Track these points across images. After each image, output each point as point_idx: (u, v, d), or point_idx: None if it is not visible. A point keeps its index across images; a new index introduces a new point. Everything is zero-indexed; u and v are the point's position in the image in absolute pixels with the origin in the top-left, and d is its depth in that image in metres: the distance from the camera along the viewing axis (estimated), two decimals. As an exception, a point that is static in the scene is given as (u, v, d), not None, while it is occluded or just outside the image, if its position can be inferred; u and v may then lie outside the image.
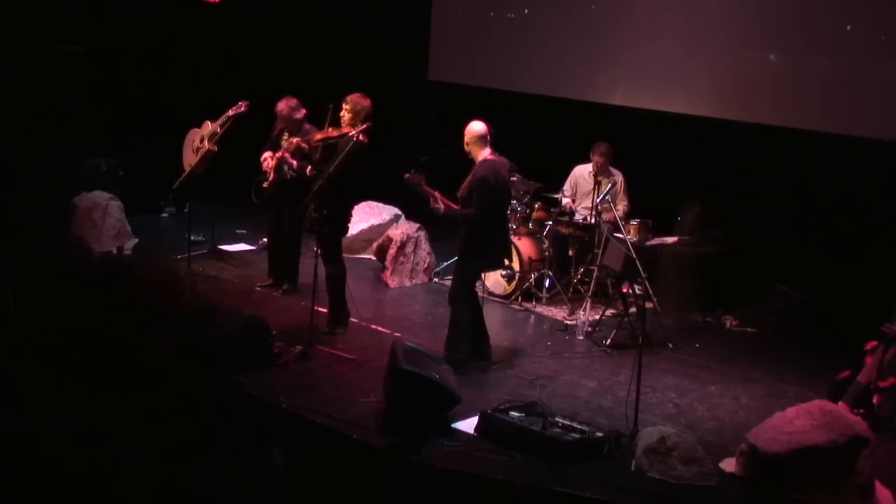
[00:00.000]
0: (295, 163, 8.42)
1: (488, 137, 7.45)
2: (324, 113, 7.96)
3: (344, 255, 8.25)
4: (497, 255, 7.79)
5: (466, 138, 7.47)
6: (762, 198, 9.72)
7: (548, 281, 9.24)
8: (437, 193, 7.40)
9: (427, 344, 7.52)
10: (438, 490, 5.95)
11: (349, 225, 8.17)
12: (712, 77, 9.94)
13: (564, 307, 9.01)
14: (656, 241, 9.40)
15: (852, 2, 9.09)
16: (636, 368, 6.42)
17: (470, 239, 7.41)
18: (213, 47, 11.86)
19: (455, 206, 7.42)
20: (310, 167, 8.10)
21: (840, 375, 6.79)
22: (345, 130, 7.77)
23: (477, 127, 7.46)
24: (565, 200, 9.49)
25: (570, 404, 6.93)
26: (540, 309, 9.08)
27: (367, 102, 7.86)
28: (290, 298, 8.77)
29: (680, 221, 9.59)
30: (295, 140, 8.38)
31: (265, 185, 8.67)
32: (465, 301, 7.55)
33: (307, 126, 8.63)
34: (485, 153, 7.43)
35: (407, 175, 7.34)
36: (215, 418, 6.69)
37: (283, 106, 8.63)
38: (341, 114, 7.86)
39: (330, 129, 7.88)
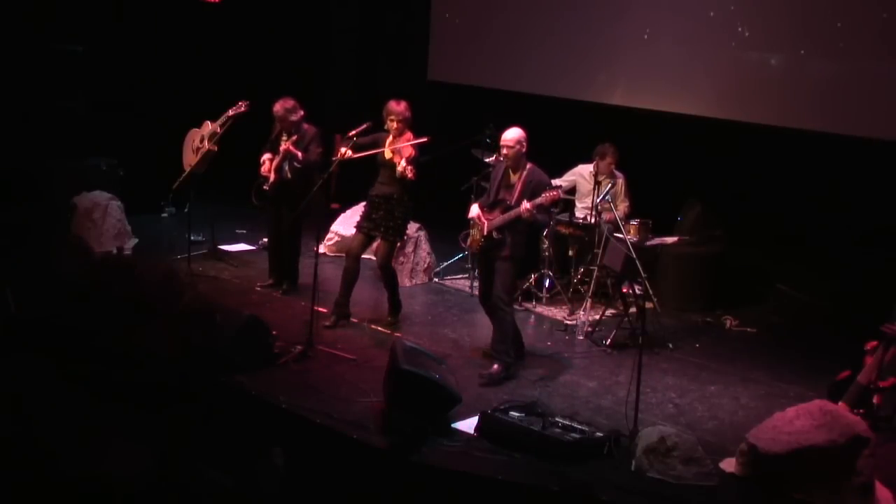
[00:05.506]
0: (300, 154, 8.41)
1: None
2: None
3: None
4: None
5: (524, 145, 7.35)
6: (762, 198, 9.72)
7: (548, 281, 9.23)
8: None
9: (427, 344, 7.53)
10: (438, 490, 5.95)
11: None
12: (712, 77, 9.93)
13: (564, 307, 9.01)
14: (656, 241, 9.39)
15: (852, 2, 9.09)
16: (636, 368, 6.43)
17: (524, 243, 7.42)
18: (213, 47, 11.86)
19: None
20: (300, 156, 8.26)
21: (840, 375, 6.78)
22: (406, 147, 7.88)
23: (522, 133, 7.38)
24: (562, 182, 9.41)
25: (570, 404, 6.93)
26: (540, 309, 9.08)
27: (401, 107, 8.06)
28: (290, 298, 8.77)
29: (680, 221, 9.58)
30: (284, 147, 8.46)
31: (265, 187, 8.68)
32: (511, 305, 7.61)
33: (305, 126, 8.62)
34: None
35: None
36: (215, 418, 6.69)
37: (278, 108, 8.62)
38: (393, 126, 7.96)
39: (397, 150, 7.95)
